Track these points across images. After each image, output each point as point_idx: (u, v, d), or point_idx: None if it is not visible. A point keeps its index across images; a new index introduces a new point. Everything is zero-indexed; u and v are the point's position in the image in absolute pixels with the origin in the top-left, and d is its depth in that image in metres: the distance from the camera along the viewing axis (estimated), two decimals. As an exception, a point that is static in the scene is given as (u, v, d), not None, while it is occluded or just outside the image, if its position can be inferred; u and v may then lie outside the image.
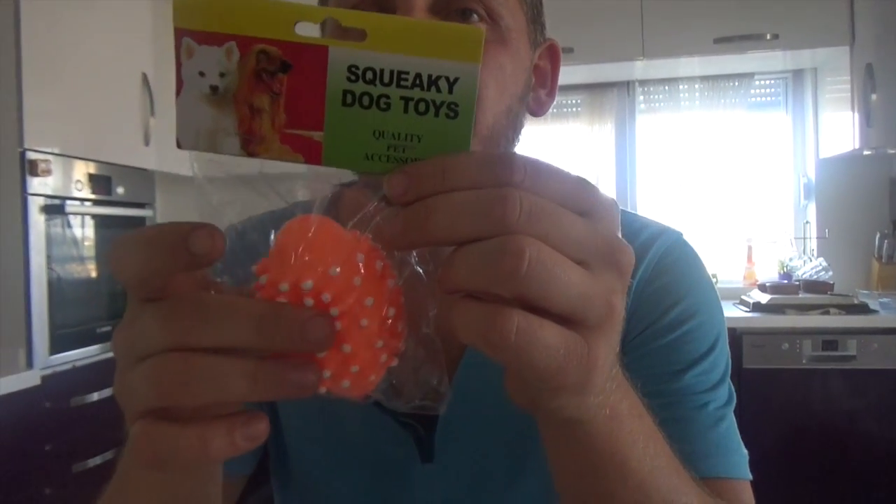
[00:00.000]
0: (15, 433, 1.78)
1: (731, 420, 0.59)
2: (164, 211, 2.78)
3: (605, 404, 0.36)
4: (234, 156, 0.31)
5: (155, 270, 0.30)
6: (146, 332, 0.30)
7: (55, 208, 2.05)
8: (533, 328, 0.29)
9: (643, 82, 3.09)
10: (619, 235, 0.32)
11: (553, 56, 0.63)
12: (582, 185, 0.31)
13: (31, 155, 1.96)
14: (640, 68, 2.89)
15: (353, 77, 0.29)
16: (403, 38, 0.29)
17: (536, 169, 0.30)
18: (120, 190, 2.37)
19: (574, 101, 3.13)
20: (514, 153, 0.30)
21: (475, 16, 0.52)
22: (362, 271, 0.30)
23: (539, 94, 0.62)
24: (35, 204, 1.98)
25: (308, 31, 0.29)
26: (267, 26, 0.28)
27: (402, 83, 0.29)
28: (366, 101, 0.30)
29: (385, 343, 0.32)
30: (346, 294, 0.30)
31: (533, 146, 3.05)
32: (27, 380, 1.84)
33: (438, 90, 0.30)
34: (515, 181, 0.29)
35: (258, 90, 0.29)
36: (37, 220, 1.98)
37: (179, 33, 0.29)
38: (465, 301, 0.30)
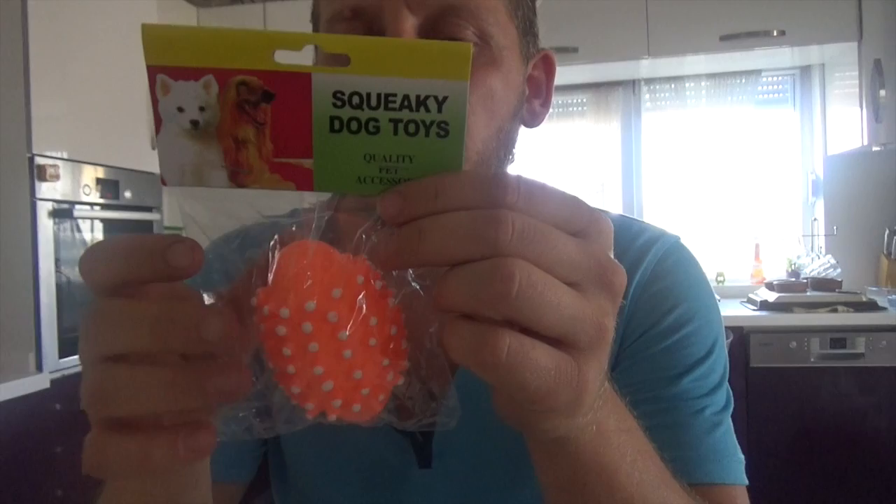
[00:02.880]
0: (26, 436, 1.80)
1: (728, 425, 0.59)
2: (171, 214, 2.80)
3: (593, 421, 0.36)
4: (224, 188, 0.30)
5: (129, 278, 0.30)
6: (80, 346, 0.31)
7: (63, 212, 2.07)
8: (525, 349, 0.29)
9: (649, 80, 3.08)
10: (612, 255, 0.32)
11: (547, 66, 0.62)
12: (576, 204, 0.31)
13: (39, 160, 1.98)
14: (645, 67, 2.88)
15: (339, 103, 0.29)
16: (388, 60, 0.28)
17: (530, 189, 0.30)
18: (128, 194, 2.39)
19: (580, 100, 3.12)
20: (508, 173, 0.30)
21: (465, 37, 0.51)
22: (364, 292, 0.30)
23: (533, 104, 0.62)
24: (43, 208, 1.99)
25: (290, 58, 0.29)
26: (244, 57, 0.28)
27: (391, 105, 0.29)
28: (354, 125, 0.29)
29: (391, 362, 0.32)
30: (351, 315, 0.30)
31: (539, 146, 3.05)
32: (37, 383, 1.86)
33: (427, 110, 0.29)
34: (508, 202, 0.29)
35: (241, 122, 0.29)
36: (45, 225, 2.00)
37: (152, 71, 0.28)
38: (457, 321, 0.30)
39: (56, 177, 2.02)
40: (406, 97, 0.29)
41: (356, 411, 0.31)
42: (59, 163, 2.04)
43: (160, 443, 0.30)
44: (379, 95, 0.29)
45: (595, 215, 0.32)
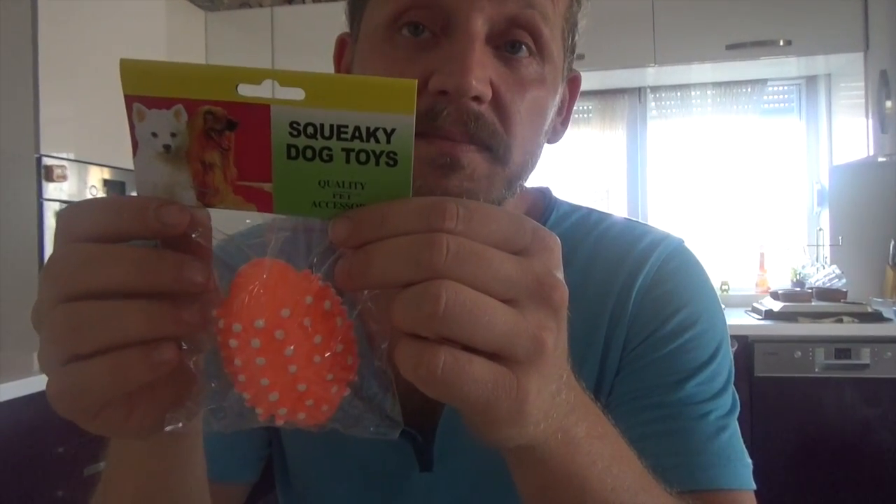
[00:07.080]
0: (27, 436, 1.80)
1: (735, 429, 0.58)
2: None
3: (556, 429, 0.37)
4: (192, 207, 0.33)
5: (115, 231, 0.32)
6: (40, 293, 0.33)
7: (70, 213, 2.08)
8: (460, 363, 0.31)
9: (655, 88, 3.09)
10: (557, 271, 0.34)
11: (574, 86, 0.63)
12: (517, 224, 0.33)
13: (46, 161, 1.99)
14: (651, 75, 2.88)
15: (294, 132, 0.31)
16: (339, 94, 0.30)
17: (469, 212, 0.31)
18: (134, 195, 2.40)
19: (586, 108, 3.13)
20: (450, 199, 0.32)
21: (524, 48, 0.51)
22: (312, 311, 0.33)
23: (556, 122, 0.62)
24: (51, 209, 2.00)
25: (251, 91, 0.31)
26: (210, 89, 0.30)
27: (343, 136, 0.31)
28: (309, 153, 0.32)
29: (336, 376, 0.34)
30: (297, 333, 0.32)
31: (544, 153, 3.05)
32: (39, 383, 1.86)
33: (377, 141, 0.31)
34: (447, 226, 0.31)
35: (208, 147, 0.32)
36: (52, 225, 2.00)
37: (129, 100, 0.31)
38: (402, 339, 0.32)
39: (63, 177, 2.03)
40: (357, 129, 0.31)
41: (301, 419, 0.34)
42: (66, 163, 2.05)
43: (133, 355, 0.31)
44: (332, 126, 0.31)
45: (539, 233, 0.33)
